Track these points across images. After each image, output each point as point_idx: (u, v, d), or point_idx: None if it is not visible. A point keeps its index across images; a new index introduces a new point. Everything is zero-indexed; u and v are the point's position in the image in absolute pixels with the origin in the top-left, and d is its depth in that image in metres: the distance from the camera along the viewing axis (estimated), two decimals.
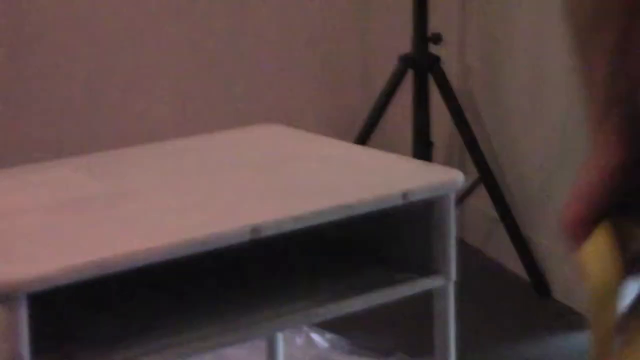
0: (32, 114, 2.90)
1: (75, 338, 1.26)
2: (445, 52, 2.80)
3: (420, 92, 2.75)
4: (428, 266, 1.42)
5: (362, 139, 2.68)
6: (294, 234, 1.29)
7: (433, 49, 2.74)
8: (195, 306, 1.35)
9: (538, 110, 2.81)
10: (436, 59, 2.72)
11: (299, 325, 1.38)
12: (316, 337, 2.48)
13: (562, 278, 2.74)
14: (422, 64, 2.72)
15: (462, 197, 2.71)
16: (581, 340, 2.55)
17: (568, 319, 2.65)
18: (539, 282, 2.77)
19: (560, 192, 2.76)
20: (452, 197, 1.41)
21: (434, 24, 2.77)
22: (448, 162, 3.03)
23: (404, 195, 1.35)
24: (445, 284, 1.42)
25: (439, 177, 1.39)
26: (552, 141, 2.76)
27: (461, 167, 2.67)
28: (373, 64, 3.14)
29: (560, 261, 2.75)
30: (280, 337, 1.78)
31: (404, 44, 2.76)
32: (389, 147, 1.84)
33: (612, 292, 0.73)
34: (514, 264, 2.81)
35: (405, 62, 2.72)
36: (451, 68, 2.87)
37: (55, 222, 1.27)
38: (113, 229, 1.24)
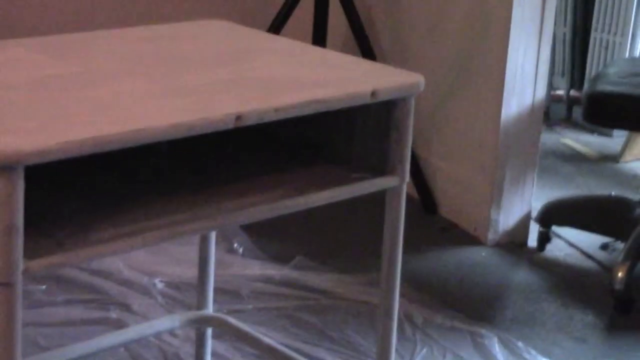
0: None
1: (51, 216, 1.26)
2: None
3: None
4: (382, 167, 1.47)
5: None
6: (241, 130, 1.30)
7: None
8: (165, 192, 1.36)
9: (438, 29, 2.89)
10: None
11: (262, 218, 1.41)
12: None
13: (449, 195, 2.86)
14: None
15: None
16: (465, 254, 2.68)
17: (453, 234, 2.78)
18: (427, 199, 2.87)
19: (452, 113, 2.87)
20: (413, 100, 1.46)
21: None
22: None
23: (373, 93, 1.39)
24: (400, 184, 1.48)
25: (404, 79, 1.44)
26: (450, 60, 2.85)
27: None
28: None
29: (448, 180, 2.87)
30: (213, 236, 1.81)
31: None
32: None
33: None
34: None
35: None
36: None
37: (32, 99, 1.25)
38: (97, 109, 1.23)
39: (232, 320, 1.80)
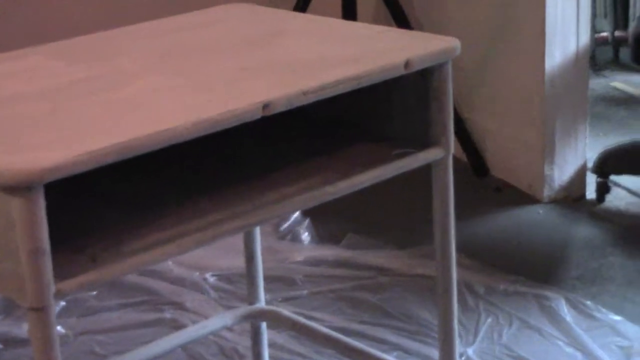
0: None
1: (81, 230, 1.20)
2: None
3: None
4: (425, 139, 1.39)
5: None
6: (274, 115, 1.23)
7: None
8: (197, 192, 1.29)
9: None
10: None
11: (303, 207, 1.33)
12: None
13: (499, 155, 2.77)
14: None
15: None
16: (522, 213, 2.59)
17: (507, 194, 2.69)
18: (477, 161, 2.78)
19: (495, 71, 2.77)
20: (450, 66, 1.37)
21: None
22: None
23: (407, 64, 1.31)
24: (446, 155, 1.39)
25: (438, 45, 1.35)
26: (487, 16, 2.75)
27: None
28: None
29: (497, 139, 2.77)
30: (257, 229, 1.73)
31: None
32: None
33: None
34: None
35: None
36: None
37: (52, 109, 1.18)
38: (119, 113, 1.16)
39: (284, 312, 1.74)
